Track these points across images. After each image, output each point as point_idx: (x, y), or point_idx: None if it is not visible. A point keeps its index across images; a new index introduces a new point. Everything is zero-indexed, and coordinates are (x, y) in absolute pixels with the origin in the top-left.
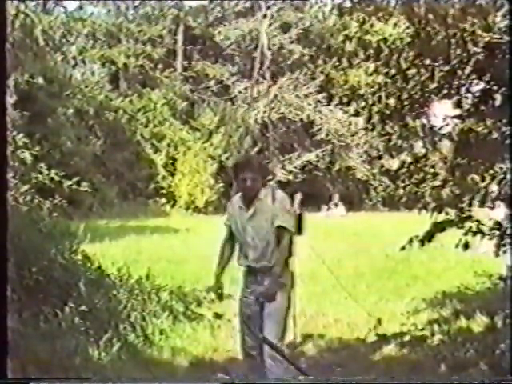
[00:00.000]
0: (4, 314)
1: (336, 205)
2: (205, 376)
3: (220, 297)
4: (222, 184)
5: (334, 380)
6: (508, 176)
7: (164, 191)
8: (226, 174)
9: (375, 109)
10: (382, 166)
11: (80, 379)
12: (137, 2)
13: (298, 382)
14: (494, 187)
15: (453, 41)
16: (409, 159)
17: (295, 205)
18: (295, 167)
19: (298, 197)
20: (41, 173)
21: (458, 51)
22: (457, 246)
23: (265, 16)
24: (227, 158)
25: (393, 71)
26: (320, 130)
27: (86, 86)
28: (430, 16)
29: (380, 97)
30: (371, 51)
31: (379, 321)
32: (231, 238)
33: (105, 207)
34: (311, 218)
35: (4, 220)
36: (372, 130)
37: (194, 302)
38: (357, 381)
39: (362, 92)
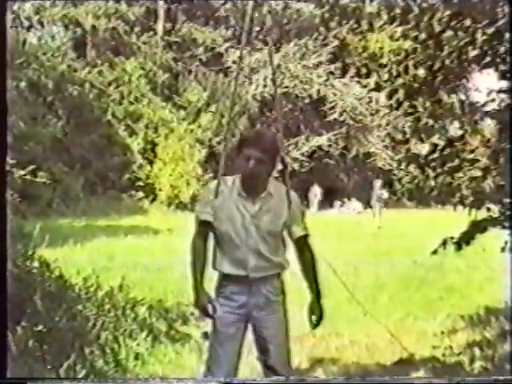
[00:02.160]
0: (4, 312)
1: (351, 200)
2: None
3: (207, 313)
4: (211, 174)
5: (334, 380)
6: None
7: (141, 183)
8: (217, 163)
9: (400, 81)
10: (409, 152)
11: (79, 379)
12: None
13: (298, 382)
14: None
15: None
16: (442, 143)
17: (314, 201)
18: (302, 154)
19: (318, 191)
20: None
21: (506, 8)
22: (502, 249)
23: None
24: (218, 143)
25: (423, 35)
26: (333, 108)
27: (44, 54)
28: None
29: (407, 67)
30: (397, 11)
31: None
32: (205, 232)
33: (67, 203)
34: (321, 215)
35: None
36: (397, 108)
37: (179, 319)
38: (356, 381)
39: (384, 61)
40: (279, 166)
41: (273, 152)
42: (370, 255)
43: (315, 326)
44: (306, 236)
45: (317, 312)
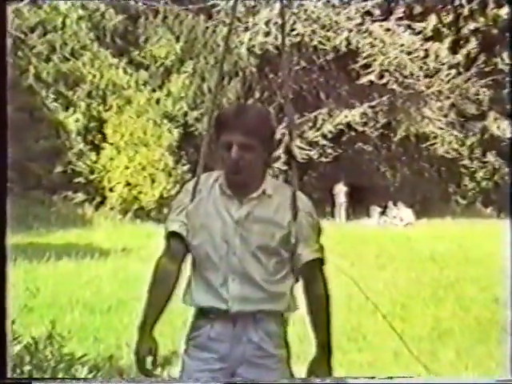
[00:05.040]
0: (3, 311)
1: (397, 205)
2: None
3: (142, 368)
4: (188, 166)
5: (334, 380)
6: None
7: (81, 179)
8: (196, 149)
9: (473, 26)
10: (486, 132)
11: (83, 379)
12: None
13: (298, 382)
14: None
15: None
16: None
17: (341, 207)
18: (324, 136)
19: (346, 192)
20: None
21: None
22: None
23: None
24: (198, 119)
25: None
26: (369, 66)
27: None
28: None
29: (484, 3)
30: None
31: None
32: (175, 250)
33: None
34: (352, 228)
35: None
36: (467, 66)
37: None
38: (356, 381)
39: None
40: (281, 156)
41: (263, 133)
42: (427, 289)
43: None
44: (318, 262)
45: (322, 372)
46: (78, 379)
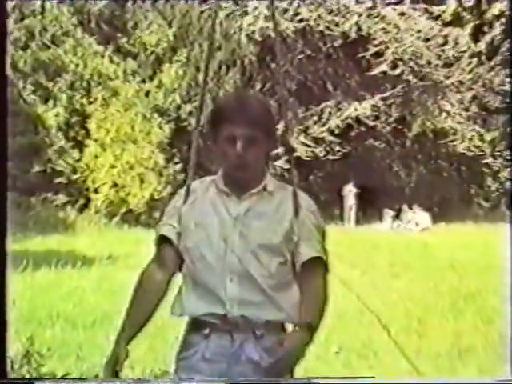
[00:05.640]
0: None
1: (412, 208)
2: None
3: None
4: (180, 165)
5: (335, 380)
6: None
7: (63, 180)
8: (189, 145)
9: (497, 8)
10: (511, 127)
11: (83, 379)
12: None
13: (303, 382)
14: None
15: None
16: None
17: (351, 210)
18: (330, 131)
19: (352, 190)
20: None
21: None
22: None
23: None
24: (191, 113)
25: None
26: (382, 54)
27: None
28: None
29: None
30: None
31: None
32: (165, 258)
33: None
34: (362, 232)
35: None
36: (490, 55)
37: None
38: (356, 381)
39: None
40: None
41: (267, 124)
42: (446, 300)
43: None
44: (320, 264)
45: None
46: (79, 379)
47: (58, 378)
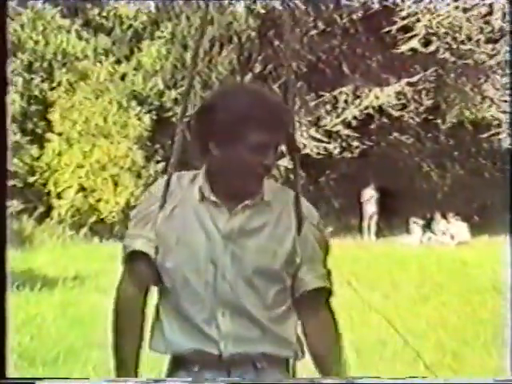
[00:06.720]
0: (3, 310)
1: (447, 217)
2: None
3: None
4: (162, 164)
5: (338, 380)
6: None
7: (18, 183)
8: (172, 140)
9: None
10: None
11: (86, 379)
12: None
13: (304, 383)
14: None
15: None
16: None
17: (371, 220)
18: (346, 122)
19: (373, 196)
20: None
21: None
22: None
23: None
24: (177, 101)
25: None
26: (411, 29)
27: None
28: None
29: None
30: None
31: None
32: (141, 277)
33: None
34: (385, 247)
35: None
36: None
37: None
38: (356, 380)
39: None
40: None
41: (289, 131)
42: (488, 329)
43: None
44: (324, 291)
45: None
46: (81, 379)
47: (59, 379)
